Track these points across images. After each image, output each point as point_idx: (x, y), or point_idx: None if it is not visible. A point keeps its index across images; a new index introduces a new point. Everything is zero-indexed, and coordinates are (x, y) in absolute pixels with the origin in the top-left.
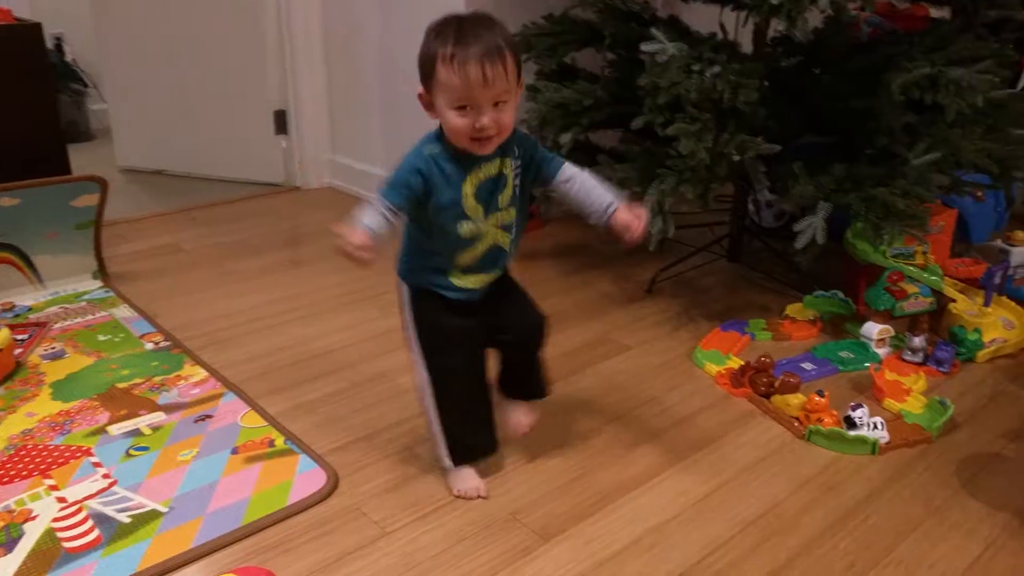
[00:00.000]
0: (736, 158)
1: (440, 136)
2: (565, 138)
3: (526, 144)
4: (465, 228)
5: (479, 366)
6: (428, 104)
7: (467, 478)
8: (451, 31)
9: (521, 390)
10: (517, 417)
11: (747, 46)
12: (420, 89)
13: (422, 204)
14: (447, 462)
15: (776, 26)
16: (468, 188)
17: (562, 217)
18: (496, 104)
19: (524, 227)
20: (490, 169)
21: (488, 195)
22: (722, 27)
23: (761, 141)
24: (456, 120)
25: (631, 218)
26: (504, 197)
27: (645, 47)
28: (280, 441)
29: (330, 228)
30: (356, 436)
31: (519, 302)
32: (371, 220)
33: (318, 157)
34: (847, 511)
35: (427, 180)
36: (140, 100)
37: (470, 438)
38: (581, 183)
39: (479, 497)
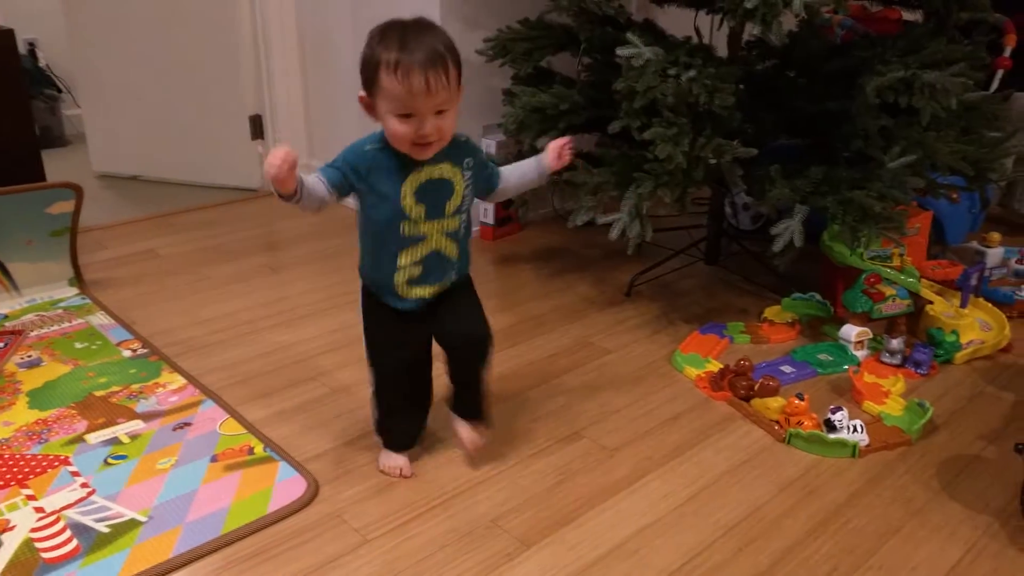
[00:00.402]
0: (713, 162)
1: (382, 136)
2: (542, 142)
3: (476, 155)
4: (406, 227)
5: (418, 370)
6: (369, 107)
7: (392, 455)
8: (394, 38)
9: (458, 406)
10: (463, 434)
11: (722, 50)
12: (361, 93)
13: (363, 198)
14: (378, 438)
15: (751, 30)
16: (407, 187)
17: (540, 220)
18: (438, 112)
19: (470, 235)
20: (435, 171)
21: (431, 197)
22: (697, 31)
23: (738, 144)
24: (398, 127)
25: (554, 146)
26: (451, 205)
27: (621, 51)
28: (259, 448)
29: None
30: (336, 443)
31: (465, 312)
32: (308, 177)
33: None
34: (828, 514)
35: (363, 177)
36: (115, 105)
37: (396, 431)
38: (509, 171)
39: (401, 476)
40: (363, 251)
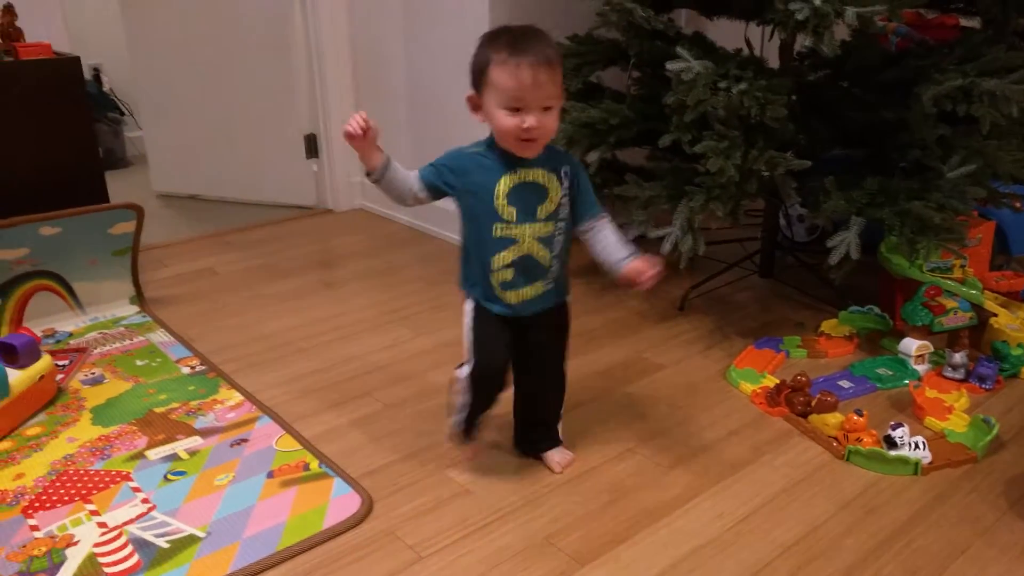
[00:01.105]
0: (766, 174)
1: (486, 140)
2: (592, 157)
3: (575, 168)
4: (498, 228)
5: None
6: (476, 106)
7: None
8: (505, 38)
9: (535, 444)
10: (553, 459)
11: (774, 61)
12: (470, 92)
13: (459, 199)
14: (459, 430)
15: (803, 40)
16: (502, 187)
17: None
18: (544, 108)
19: (568, 251)
20: (529, 175)
21: (524, 200)
22: (748, 43)
23: (791, 156)
24: (506, 120)
25: (642, 265)
26: (544, 209)
27: (670, 65)
28: (315, 464)
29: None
30: (390, 459)
31: (547, 359)
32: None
33: (349, 179)
34: (890, 534)
35: (460, 176)
36: (174, 127)
37: (476, 425)
38: (606, 233)
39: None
40: (462, 258)
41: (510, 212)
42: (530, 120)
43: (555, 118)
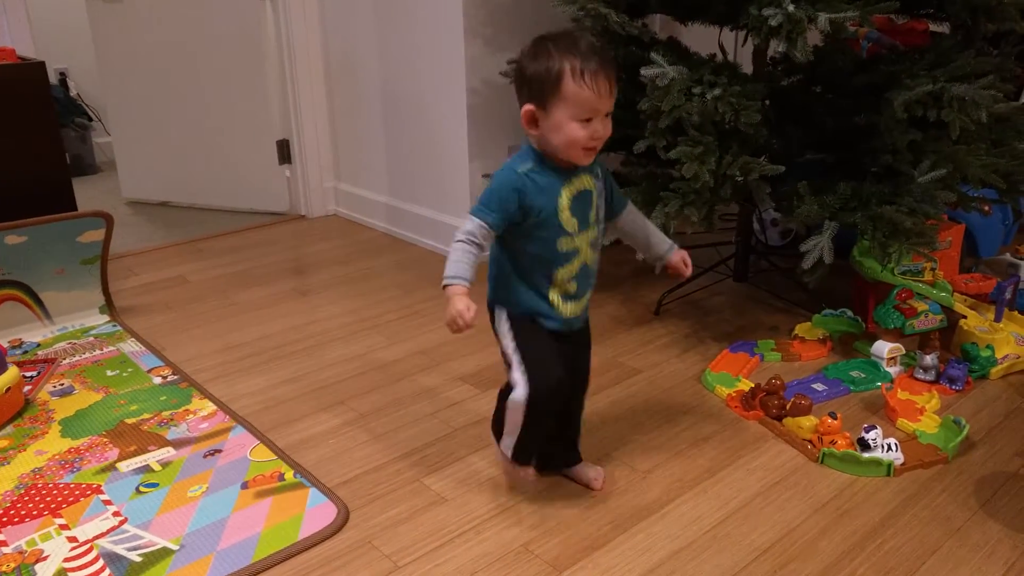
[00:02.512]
0: (740, 179)
1: (532, 154)
2: None
3: (606, 169)
4: (563, 242)
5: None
6: (533, 120)
7: (524, 469)
8: (571, 48)
9: (558, 460)
10: (587, 475)
11: (747, 66)
12: (529, 106)
13: (518, 223)
14: (506, 456)
15: (776, 46)
16: (564, 200)
17: None
18: (606, 114)
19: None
20: (580, 183)
21: (581, 209)
22: (722, 48)
23: (764, 162)
24: (578, 132)
25: (682, 263)
26: (594, 214)
27: (645, 71)
28: (290, 475)
29: (446, 320)
30: (365, 468)
31: (583, 355)
32: (462, 268)
33: (322, 185)
34: (864, 535)
35: (523, 196)
36: (144, 132)
37: (540, 448)
38: (642, 220)
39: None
40: (506, 279)
41: (573, 224)
42: (600, 129)
43: (610, 122)
